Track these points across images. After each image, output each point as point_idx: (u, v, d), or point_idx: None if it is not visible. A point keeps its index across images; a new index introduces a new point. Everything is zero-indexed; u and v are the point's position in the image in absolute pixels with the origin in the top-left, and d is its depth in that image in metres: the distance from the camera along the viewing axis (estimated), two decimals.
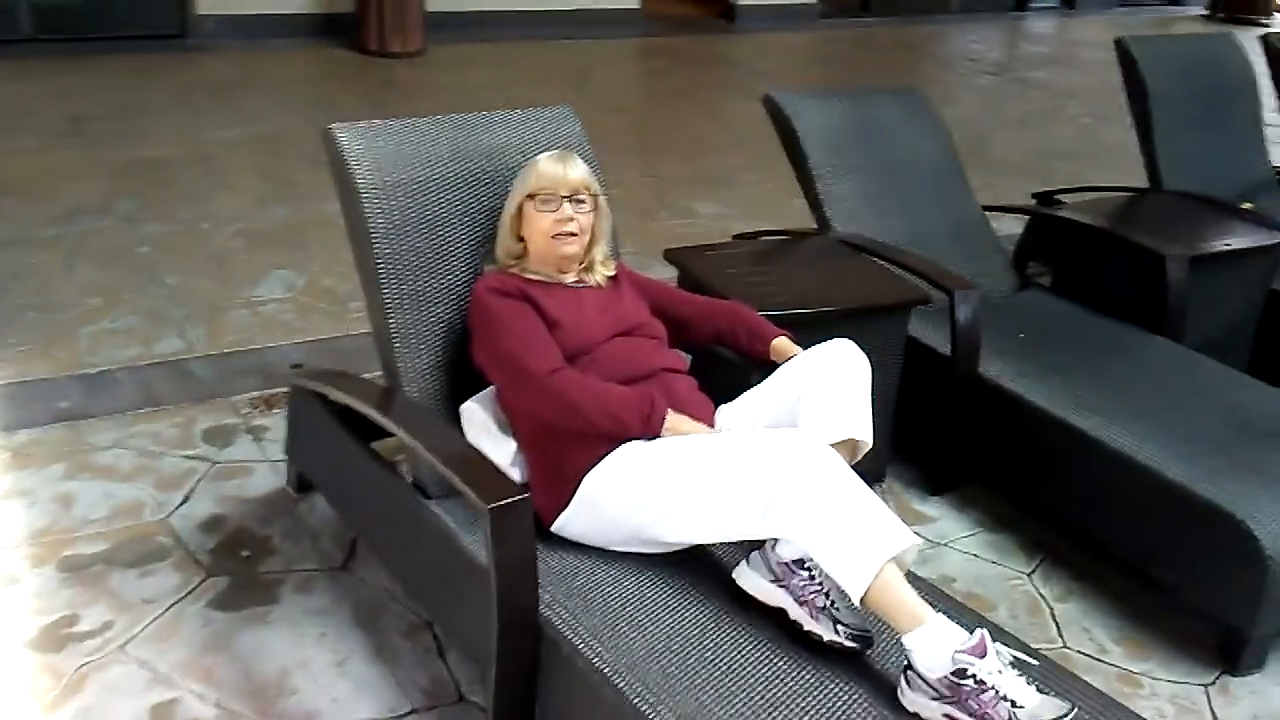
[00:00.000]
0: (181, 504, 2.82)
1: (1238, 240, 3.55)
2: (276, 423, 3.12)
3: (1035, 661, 1.81)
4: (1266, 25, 10.83)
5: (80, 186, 4.76)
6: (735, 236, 3.79)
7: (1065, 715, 1.71)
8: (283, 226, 4.55)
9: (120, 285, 3.96)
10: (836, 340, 2.24)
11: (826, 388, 2.14)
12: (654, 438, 2.11)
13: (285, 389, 2.90)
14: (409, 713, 2.24)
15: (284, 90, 6.45)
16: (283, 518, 2.79)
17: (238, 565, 2.62)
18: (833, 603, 1.92)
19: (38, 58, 6.44)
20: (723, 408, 2.32)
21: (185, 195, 4.77)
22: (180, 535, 2.70)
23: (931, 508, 3.06)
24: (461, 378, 2.39)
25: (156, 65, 6.67)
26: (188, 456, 3.02)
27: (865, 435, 2.12)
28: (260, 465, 3.00)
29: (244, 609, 2.48)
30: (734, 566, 2.07)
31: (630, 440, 2.11)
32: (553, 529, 2.19)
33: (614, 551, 2.15)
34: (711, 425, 2.25)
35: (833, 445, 2.05)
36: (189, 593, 2.52)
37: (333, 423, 2.52)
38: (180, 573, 2.58)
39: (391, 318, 2.36)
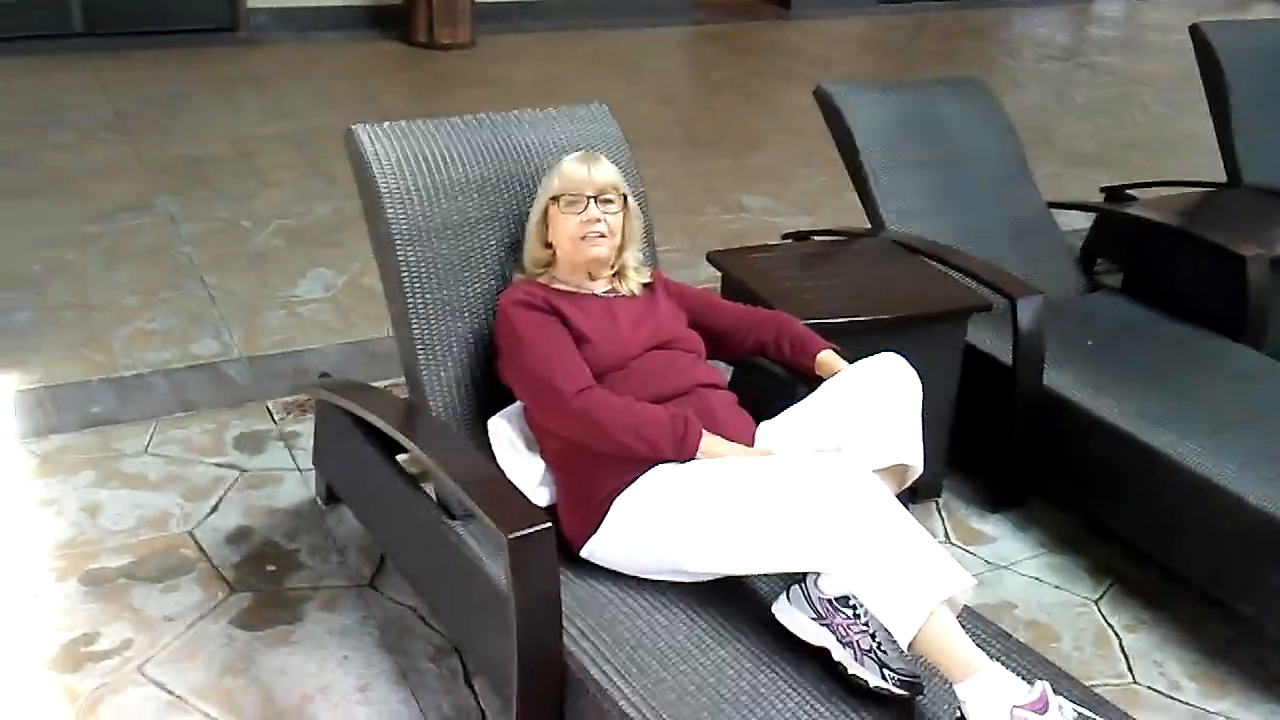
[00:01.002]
0: (209, 515, 2.75)
1: None
2: (309, 429, 3.03)
3: None
4: None
5: (122, 183, 4.72)
6: (784, 236, 3.64)
7: None
8: (323, 224, 4.47)
9: (158, 285, 3.90)
10: (885, 355, 2.09)
11: (874, 409, 1.99)
12: (690, 460, 1.97)
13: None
14: None
15: (330, 84, 6.39)
16: (311, 531, 2.70)
17: (263, 580, 2.54)
18: (879, 645, 1.77)
19: (87, 52, 6.44)
20: (763, 425, 2.18)
21: (226, 192, 4.71)
22: (206, 548, 2.63)
23: (990, 526, 2.88)
24: (489, 391, 2.27)
25: (205, 59, 6.64)
26: (218, 464, 2.95)
27: (915, 460, 1.97)
28: (290, 474, 2.92)
29: (267, 628, 2.40)
30: (774, 598, 1.93)
31: (663, 463, 1.98)
32: (582, 554, 2.06)
33: (646, 580, 2.02)
34: (751, 444, 2.11)
35: (880, 471, 1.91)
36: (212, 609, 2.44)
37: (357, 435, 2.42)
38: (204, 588, 2.50)
39: (415, 328, 2.25)
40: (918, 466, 1.99)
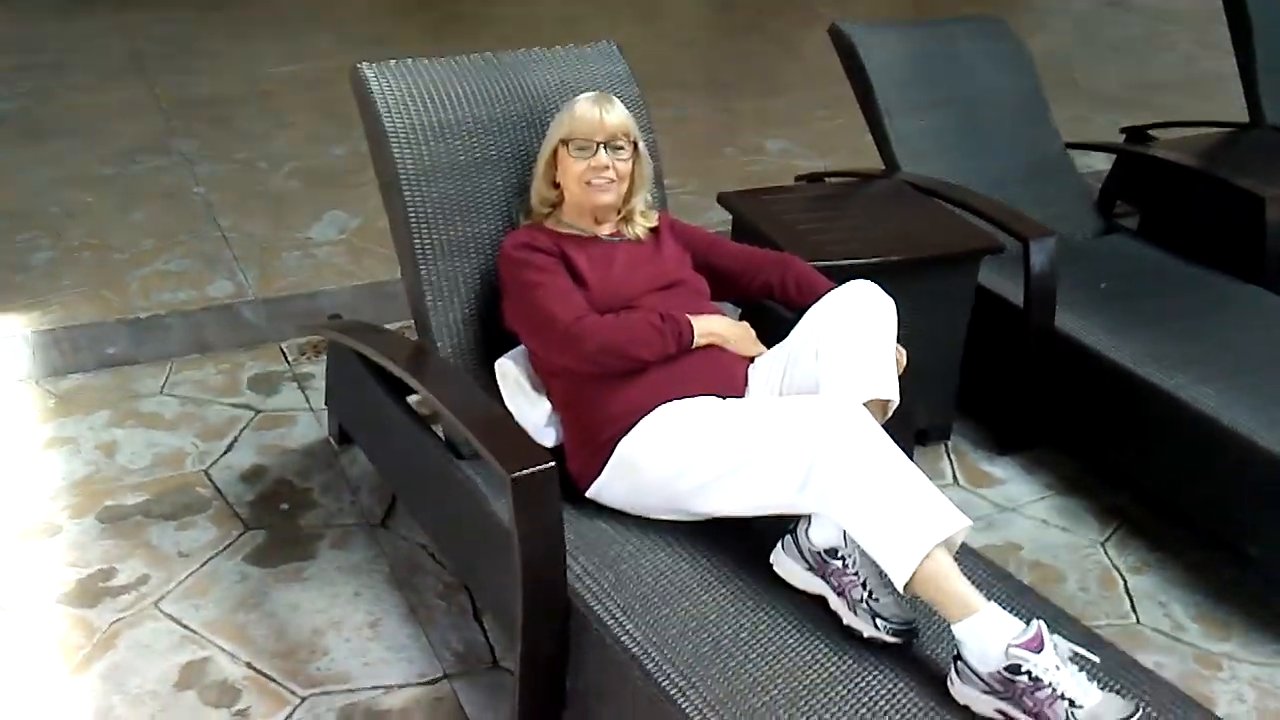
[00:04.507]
0: (224, 454, 2.78)
1: None
2: (323, 370, 3.05)
3: (1096, 658, 1.65)
4: None
5: (138, 124, 4.73)
6: (798, 178, 3.61)
7: (1130, 717, 1.57)
8: (339, 166, 4.47)
9: (175, 227, 3.92)
10: (855, 283, 2.07)
11: (845, 343, 1.97)
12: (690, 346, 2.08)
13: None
14: (440, 678, 2.18)
15: (347, 25, 6.36)
16: (324, 470, 2.74)
17: (276, 519, 2.57)
18: (870, 593, 1.77)
19: None
20: (756, 359, 2.18)
21: (243, 134, 4.71)
22: (220, 486, 2.66)
23: (999, 468, 2.89)
24: (496, 331, 2.27)
25: (220, 1, 6.61)
26: (233, 404, 2.98)
27: (892, 394, 1.96)
28: (304, 414, 2.95)
29: (280, 565, 2.44)
30: (776, 541, 1.94)
31: (666, 399, 2.00)
32: (588, 494, 2.08)
33: (651, 520, 2.04)
34: (745, 382, 2.13)
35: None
36: (226, 547, 2.48)
37: (368, 377, 2.43)
38: (218, 526, 2.54)
39: (423, 268, 2.26)
40: (895, 399, 1.98)
